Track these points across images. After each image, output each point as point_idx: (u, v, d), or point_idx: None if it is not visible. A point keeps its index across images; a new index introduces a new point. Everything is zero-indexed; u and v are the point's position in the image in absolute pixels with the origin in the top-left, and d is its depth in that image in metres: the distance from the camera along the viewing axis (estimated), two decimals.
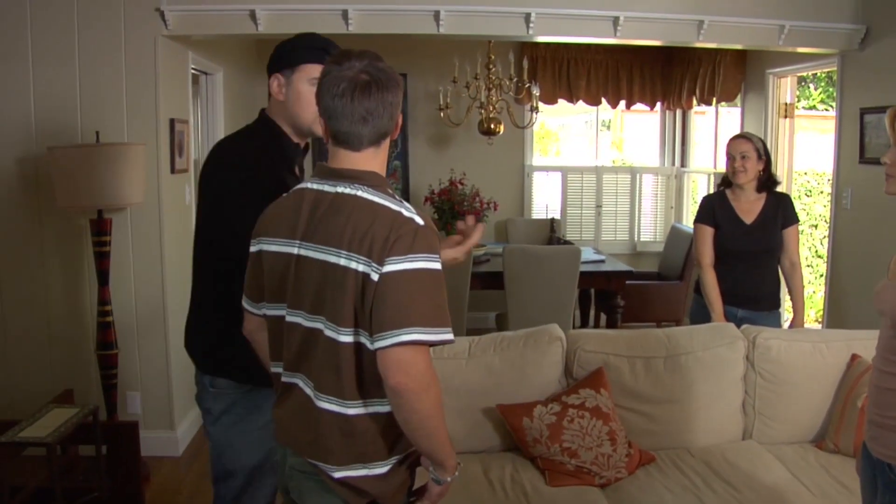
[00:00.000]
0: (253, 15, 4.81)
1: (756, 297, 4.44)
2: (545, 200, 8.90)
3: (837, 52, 5.85)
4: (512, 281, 6.07)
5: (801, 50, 5.90)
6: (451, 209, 6.89)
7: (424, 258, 1.88)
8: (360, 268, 1.89)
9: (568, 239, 8.10)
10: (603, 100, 8.55)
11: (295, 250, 2.04)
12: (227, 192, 2.50)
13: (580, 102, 8.54)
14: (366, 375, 1.96)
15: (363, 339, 1.93)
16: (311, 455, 2.06)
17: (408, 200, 8.17)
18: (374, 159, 2.06)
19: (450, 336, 1.90)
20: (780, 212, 4.42)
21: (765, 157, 4.42)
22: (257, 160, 2.54)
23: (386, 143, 2.08)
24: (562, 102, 8.51)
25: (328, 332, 1.97)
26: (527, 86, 7.32)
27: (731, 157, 4.42)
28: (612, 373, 3.67)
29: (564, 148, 11.41)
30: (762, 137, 5.37)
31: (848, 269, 5.86)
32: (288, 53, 2.58)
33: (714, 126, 8.53)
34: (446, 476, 2.07)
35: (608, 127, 11.15)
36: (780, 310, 4.73)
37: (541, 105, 7.78)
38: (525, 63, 7.61)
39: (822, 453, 3.75)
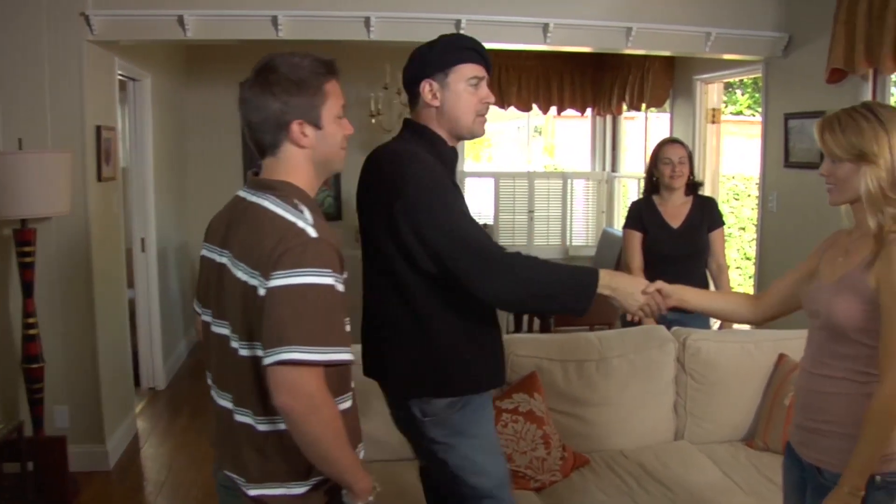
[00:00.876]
0: (181, 21, 4.72)
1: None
2: (478, 206, 8.92)
3: (762, 58, 5.96)
4: None
5: (727, 57, 6.01)
6: None
7: (313, 273, 1.80)
8: (250, 280, 1.86)
9: (501, 245, 8.11)
10: (534, 105, 8.61)
11: (218, 258, 2.02)
12: (421, 190, 2.39)
13: (511, 108, 8.58)
14: (257, 390, 1.91)
15: (259, 353, 1.85)
16: (231, 469, 2.02)
17: (339, 209, 8.09)
18: (283, 167, 2.00)
19: (344, 356, 1.83)
20: (706, 215, 4.50)
21: (691, 163, 4.52)
22: (422, 157, 2.49)
23: (292, 151, 1.99)
24: (493, 108, 8.52)
25: (233, 345, 1.94)
26: None
27: (667, 163, 4.47)
28: (545, 377, 3.68)
29: (497, 154, 11.47)
30: (689, 143, 5.47)
31: (775, 271, 5.97)
32: (438, 57, 2.52)
33: (644, 131, 8.64)
34: (356, 501, 1.95)
35: (540, 133, 11.23)
36: None
37: None
38: None
39: (752, 451, 3.82)
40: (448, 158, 2.57)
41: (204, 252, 2.10)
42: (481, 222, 8.43)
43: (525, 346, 3.77)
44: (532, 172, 9.17)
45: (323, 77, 1.98)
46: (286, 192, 1.95)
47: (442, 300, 2.45)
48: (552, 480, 3.43)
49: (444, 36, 2.60)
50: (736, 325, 4.61)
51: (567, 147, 9.90)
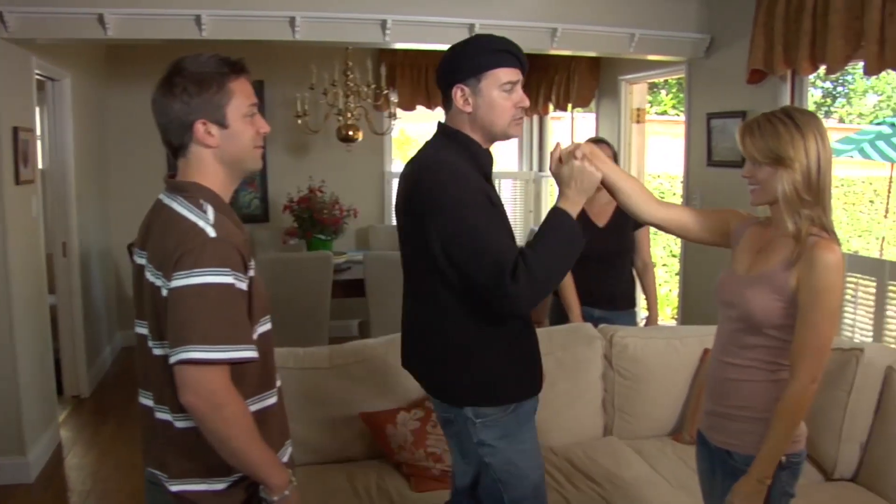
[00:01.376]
0: (101, 19, 4.60)
1: (612, 297, 4.55)
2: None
3: (685, 59, 6.06)
4: (373, 288, 6.05)
5: (650, 57, 6.09)
6: (310, 217, 6.81)
7: (211, 272, 1.80)
8: (156, 282, 1.87)
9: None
10: None
11: (139, 260, 2.01)
12: (454, 206, 2.35)
13: (438, 108, 8.58)
14: (171, 388, 1.90)
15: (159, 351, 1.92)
16: (154, 466, 2.02)
17: (266, 210, 8.02)
18: (193, 168, 1.99)
19: (247, 353, 1.83)
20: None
21: (617, 164, 4.55)
22: (462, 168, 2.43)
23: (200, 152, 1.98)
24: (421, 108, 8.54)
25: (149, 343, 1.95)
26: (385, 92, 7.32)
27: None
28: None
29: None
30: (614, 142, 5.52)
31: (699, 268, 6.08)
32: (471, 60, 2.44)
33: (570, 131, 8.71)
34: (272, 495, 1.94)
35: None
36: (636, 308, 4.86)
37: (399, 111, 7.79)
38: (383, 70, 7.61)
39: (679, 445, 3.89)
40: (483, 162, 2.53)
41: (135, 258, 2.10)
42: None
43: None
44: None
45: (227, 75, 1.96)
46: (193, 193, 1.95)
47: (477, 312, 2.43)
48: None
49: (477, 37, 2.52)
50: (664, 321, 4.69)
51: (494, 147, 9.89)
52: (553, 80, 8.03)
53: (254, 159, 2.07)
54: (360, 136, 7.28)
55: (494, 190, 2.54)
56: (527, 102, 2.52)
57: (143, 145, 7.64)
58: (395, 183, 8.68)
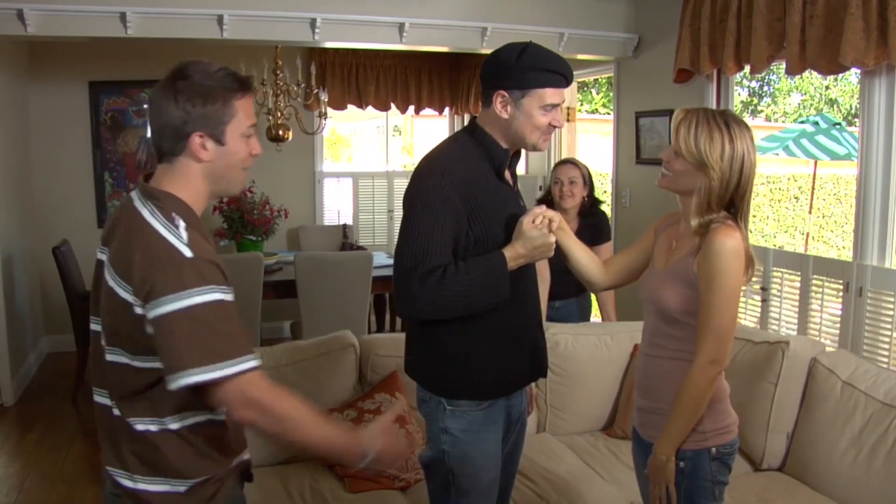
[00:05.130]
0: (21, 15, 4.50)
1: (567, 290, 4.60)
2: (337, 207, 8.87)
3: (613, 59, 6.13)
4: (305, 289, 6.00)
5: (580, 57, 6.14)
6: (240, 218, 6.73)
7: (197, 292, 1.76)
8: (120, 292, 1.81)
9: (361, 244, 8.09)
10: (392, 105, 8.61)
11: (100, 255, 1.95)
12: (409, 199, 2.44)
13: (370, 108, 8.56)
14: (126, 392, 1.89)
15: (123, 359, 1.86)
16: (113, 464, 1.96)
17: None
18: (174, 177, 1.91)
19: (251, 363, 1.81)
20: (591, 231, 4.55)
21: (589, 184, 4.55)
22: (448, 166, 2.44)
23: (188, 164, 1.91)
24: (352, 108, 8.51)
25: (102, 343, 1.91)
26: (315, 91, 7.26)
27: (556, 182, 4.51)
28: (406, 376, 3.67)
29: (356, 153, 11.43)
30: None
31: None
32: (520, 73, 2.39)
33: None
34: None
35: (399, 132, 11.25)
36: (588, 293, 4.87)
37: (330, 111, 7.75)
38: (313, 69, 7.53)
39: (611, 440, 3.93)
40: (498, 161, 2.50)
41: (100, 256, 2.01)
42: (341, 223, 8.43)
43: (385, 346, 3.76)
44: (391, 172, 9.17)
45: (234, 92, 1.91)
46: (165, 204, 1.87)
47: None
48: (417, 479, 3.42)
49: (532, 50, 2.43)
50: (595, 318, 4.74)
51: (426, 146, 9.99)
52: None
53: (239, 182, 2.02)
54: (290, 135, 7.20)
55: (500, 182, 2.53)
56: (562, 123, 2.53)
57: (67, 144, 7.50)
58: (327, 183, 8.66)
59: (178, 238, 1.81)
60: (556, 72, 2.41)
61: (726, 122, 2.29)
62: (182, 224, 1.85)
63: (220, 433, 1.95)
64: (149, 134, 1.98)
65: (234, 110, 1.91)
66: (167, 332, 1.75)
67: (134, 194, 1.95)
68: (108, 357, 1.89)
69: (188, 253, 1.80)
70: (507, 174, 2.57)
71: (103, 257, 1.93)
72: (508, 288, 2.39)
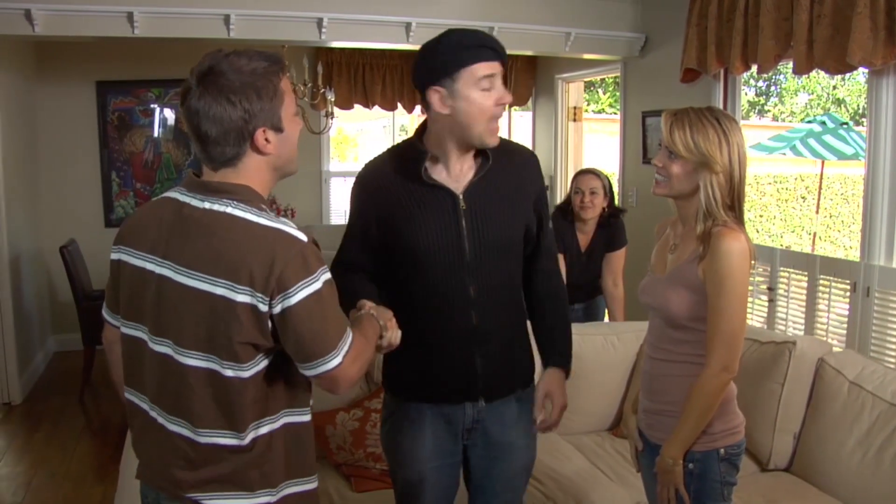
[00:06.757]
0: (28, 15, 4.52)
1: (587, 292, 4.70)
2: (343, 206, 8.86)
3: (620, 58, 6.12)
4: None
5: (586, 56, 6.14)
6: None
7: (321, 273, 1.78)
8: (242, 298, 1.73)
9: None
10: (399, 104, 8.60)
11: (156, 269, 1.83)
12: None
13: (376, 107, 8.56)
14: (242, 408, 1.80)
15: (244, 373, 1.78)
16: (203, 489, 1.86)
17: None
18: (240, 175, 1.83)
19: (351, 333, 1.87)
20: (609, 237, 4.58)
21: (609, 194, 4.55)
22: (366, 171, 2.51)
23: (254, 159, 1.84)
24: (359, 108, 8.51)
25: (180, 360, 1.80)
26: (322, 91, 7.27)
27: (579, 192, 4.50)
28: None
29: (363, 153, 11.43)
30: (550, 140, 5.55)
31: (636, 264, 6.12)
32: (443, 59, 2.24)
33: (507, 129, 8.74)
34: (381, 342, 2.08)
35: (406, 131, 11.24)
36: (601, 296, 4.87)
37: (337, 110, 7.75)
38: (320, 68, 7.55)
39: (618, 440, 3.92)
40: (409, 158, 2.38)
41: (123, 257, 1.92)
42: (346, 222, 8.41)
43: None
44: None
45: (276, 75, 1.83)
46: (248, 197, 1.82)
47: (392, 299, 2.43)
48: None
49: (448, 33, 2.29)
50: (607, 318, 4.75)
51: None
52: None
53: (295, 162, 1.97)
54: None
55: (410, 194, 2.38)
56: (509, 98, 2.34)
57: (74, 144, 7.51)
58: (333, 182, 8.66)
59: (286, 225, 1.78)
60: (481, 45, 2.25)
61: (716, 117, 2.29)
62: (274, 214, 1.83)
63: (297, 449, 1.97)
64: (197, 147, 1.82)
65: (282, 93, 1.84)
66: (305, 318, 1.75)
67: (183, 195, 1.87)
68: (189, 362, 1.78)
69: (303, 237, 1.78)
70: (457, 176, 2.39)
71: (162, 271, 1.82)
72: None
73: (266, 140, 1.82)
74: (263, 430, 1.84)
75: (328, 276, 1.80)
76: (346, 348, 1.80)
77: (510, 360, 2.52)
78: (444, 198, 2.36)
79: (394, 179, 2.39)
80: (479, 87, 2.24)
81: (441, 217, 2.36)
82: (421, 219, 2.35)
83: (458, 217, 2.35)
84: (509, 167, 2.44)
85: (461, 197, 2.36)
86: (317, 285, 1.75)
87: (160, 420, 1.87)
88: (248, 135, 1.80)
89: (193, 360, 1.79)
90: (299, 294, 1.73)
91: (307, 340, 1.76)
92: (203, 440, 1.81)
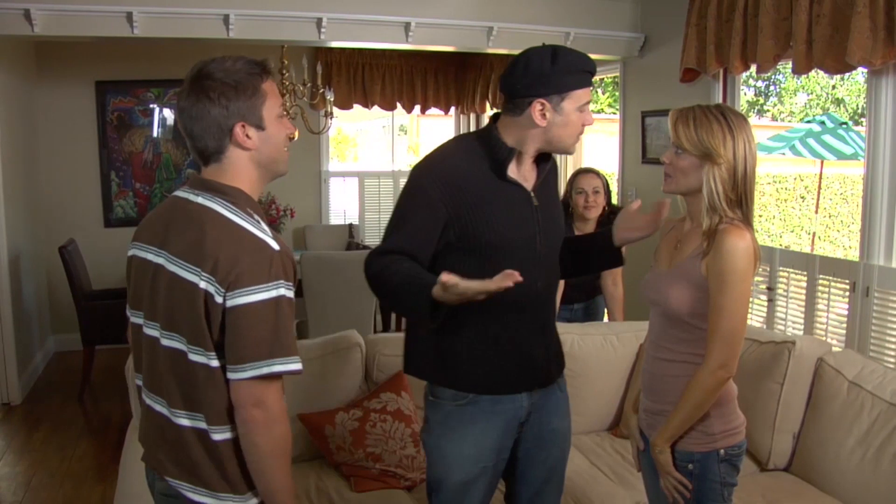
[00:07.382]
0: (28, 15, 4.52)
1: (586, 291, 4.71)
2: (343, 206, 8.88)
3: (619, 58, 6.12)
4: (310, 288, 6.00)
5: None
6: None
7: (282, 285, 1.84)
8: (201, 283, 1.82)
9: (367, 244, 8.09)
10: (398, 104, 8.62)
11: (154, 258, 1.95)
12: (402, 191, 2.49)
13: (376, 107, 8.57)
14: (211, 397, 1.88)
15: (212, 362, 1.86)
16: (177, 476, 1.96)
17: None
18: (229, 172, 1.95)
19: (297, 365, 1.86)
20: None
21: (607, 192, 4.55)
22: (436, 165, 2.48)
23: (237, 154, 1.95)
24: (358, 108, 8.52)
25: (181, 348, 1.89)
26: (321, 91, 7.27)
27: (580, 193, 4.48)
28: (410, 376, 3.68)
29: (362, 153, 11.42)
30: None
31: (636, 264, 6.12)
32: (559, 78, 2.36)
33: None
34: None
35: (405, 131, 11.25)
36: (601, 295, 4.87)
37: (336, 110, 7.75)
38: (319, 68, 7.55)
39: (617, 440, 3.93)
40: (498, 155, 2.44)
41: (134, 251, 2.04)
42: (347, 222, 8.43)
43: (391, 346, 3.75)
44: (397, 171, 9.18)
45: (258, 77, 1.95)
46: (237, 199, 1.92)
47: None
48: (422, 479, 3.42)
49: (564, 54, 2.40)
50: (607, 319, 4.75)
51: (431, 145, 9.98)
52: (490, 78, 8.06)
53: (284, 162, 2.05)
54: (296, 135, 7.20)
55: (499, 182, 2.44)
56: (591, 121, 2.50)
57: (74, 144, 7.51)
58: (333, 182, 8.67)
59: (263, 231, 1.88)
60: (590, 72, 2.44)
61: (723, 113, 2.30)
62: (258, 218, 1.92)
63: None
64: (188, 144, 1.97)
65: (265, 94, 1.95)
66: (251, 322, 1.80)
67: (184, 192, 1.98)
68: (193, 357, 1.87)
69: (276, 246, 1.86)
70: (526, 175, 2.50)
71: (159, 260, 1.93)
72: (427, 313, 2.21)
73: (246, 136, 1.93)
74: (230, 434, 1.91)
75: (290, 293, 1.86)
76: (280, 369, 1.82)
77: (558, 349, 2.71)
78: (522, 195, 2.48)
79: (472, 175, 2.44)
80: (580, 109, 2.41)
81: (521, 213, 2.47)
82: (506, 215, 2.44)
83: (535, 214, 2.49)
84: (551, 170, 2.60)
85: (532, 195, 2.50)
86: (272, 293, 1.82)
87: (148, 401, 2.01)
88: (228, 129, 1.91)
89: (167, 341, 1.91)
90: (253, 296, 1.80)
91: (247, 342, 1.80)
92: (176, 420, 1.92)
